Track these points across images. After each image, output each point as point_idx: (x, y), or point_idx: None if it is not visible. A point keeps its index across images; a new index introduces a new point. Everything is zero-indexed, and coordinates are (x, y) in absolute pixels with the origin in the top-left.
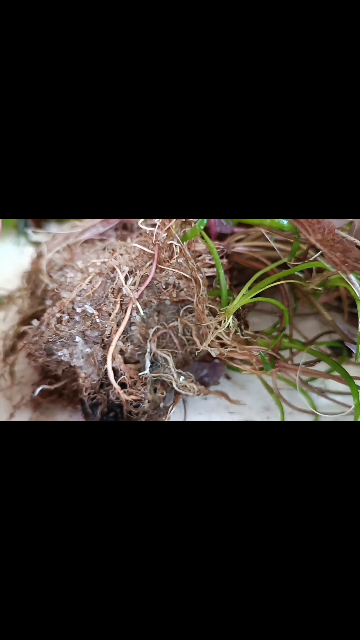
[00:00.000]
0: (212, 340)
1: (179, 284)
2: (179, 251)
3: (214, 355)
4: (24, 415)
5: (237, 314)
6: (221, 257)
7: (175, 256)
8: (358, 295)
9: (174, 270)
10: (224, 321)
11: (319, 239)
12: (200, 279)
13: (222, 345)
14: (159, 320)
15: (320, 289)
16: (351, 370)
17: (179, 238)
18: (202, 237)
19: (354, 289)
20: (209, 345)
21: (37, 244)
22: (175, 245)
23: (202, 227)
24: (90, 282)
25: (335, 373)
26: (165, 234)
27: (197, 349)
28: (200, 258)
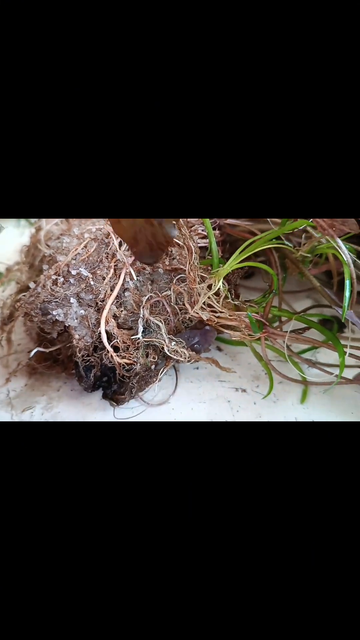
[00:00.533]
0: (203, 307)
1: (172, 251)
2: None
3: (204, 318)
4: (19, 382)
5: (228, 280)
6: (214, 229)
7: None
8: (344, 258)
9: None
10: (214, 284)
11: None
12: (192, 247)
13: (213, 311)
14: (153, 288)
15: (308, 255)
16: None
17: None
18: None
19: (341, 252)
20: (200, 309)
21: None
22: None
23: None
24: (85, 246)
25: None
26: None
27: (189, 318)
28: (193, 228)
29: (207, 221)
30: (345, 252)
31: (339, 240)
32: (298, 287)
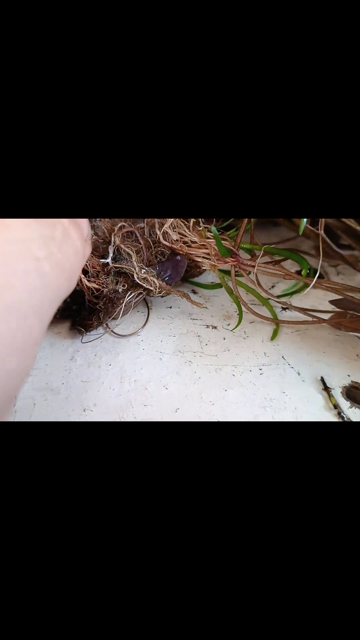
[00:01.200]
0: (173, 231)
1: None
2: None
3: (175, 238)
4: None
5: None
6: None
7: None
8: None
9: None
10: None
11: None
12: None
13: (184, 240)
14: (126, 219)
15: None
16: (317, 292)
17: None
18: None
19: None
20: (170, 229)
21: None
22: None
23: None
24: None
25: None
26: None
27: (162, 252)
28: None
29: None
30: None
31: None
32: (278, 239)
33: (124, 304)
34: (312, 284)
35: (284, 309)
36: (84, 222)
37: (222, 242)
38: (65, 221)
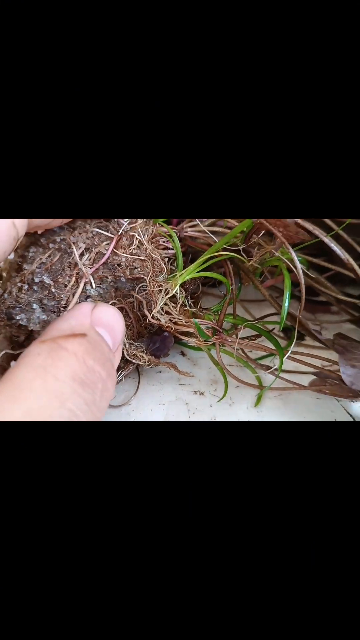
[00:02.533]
0: (161, 313)
1: (133, 262)
2: (137, 243)
3: (163, 322)
4: None
5: (185, 288)
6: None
7: (135, 243)
8: (298, 267)
9: (129, 255)
10: (170, 291)
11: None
12: (154, 259)
13: (171, 318)
14: (117, 295)
15: (258, 266)
16: (301, 349)
17: (140, 232)
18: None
19: (296, 263)
20: (158, 314)
21: None
22: (136, 238)
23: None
24: (49, 256)
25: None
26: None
27: (151, 324)
28: (154, 240)
29: (174, 234)
30: (295, 259)
31: (291, 249)
32: (261, 296)
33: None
34: (287, 354)
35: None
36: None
37: (209, 316)
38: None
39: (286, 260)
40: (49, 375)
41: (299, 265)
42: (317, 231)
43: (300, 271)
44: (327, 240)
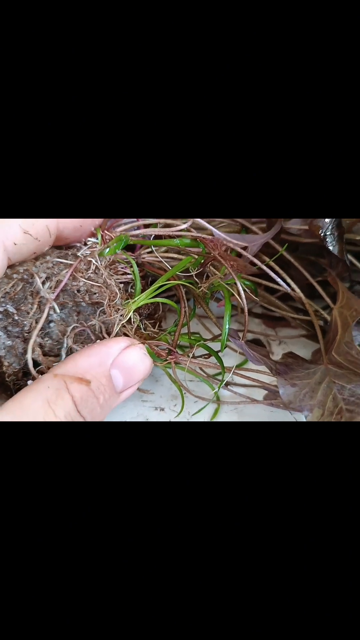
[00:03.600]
0: (120, 335)
1: (91, 287)
2: (94, 268)
3: None
4: None
5: (140, 312)
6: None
7: (92, 268)
8: (241, 293)
9: (86, 281)
10: (125, 316)
11: (217, 252)
12: (114, 286)
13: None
14: (79, 319)
15: (207, 291)
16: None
17: (97, 258)
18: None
19: (239, 289)
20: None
21: None
22: (93, 263)
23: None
24: (12, 286)
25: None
26: (90, 251)
27: None
28: (113, 266)
29: (134, 262)
30: (240, 288)
31: (236, 277)
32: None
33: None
34: (231, 372)
35: (226, 384)
36: None
37: (165, 337)
38: (89, 418)
39: (240, 284)
40: (50, 410)
41: (241, 292)
42: (265, 267)
43: (243, 297)
44: (273, 274)
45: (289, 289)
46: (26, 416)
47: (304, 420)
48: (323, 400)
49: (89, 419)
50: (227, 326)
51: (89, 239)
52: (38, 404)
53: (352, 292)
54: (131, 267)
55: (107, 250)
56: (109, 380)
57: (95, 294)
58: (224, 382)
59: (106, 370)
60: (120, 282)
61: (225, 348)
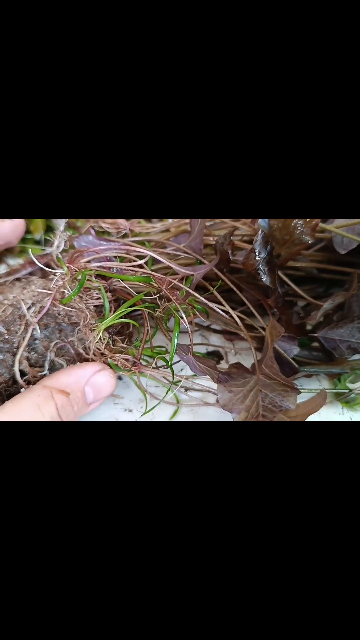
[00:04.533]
0: (95, 351)
1: (70, 311)
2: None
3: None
4: None
5: (109, 331)
6: (107, 291)
7: (67, 294)
8: (181, 318)
9: (63, 306)
10: (96, 335)
11: (164, 286)
12: (85, 310)
13: (102, 354)
14: (60, 336)
15: (163, 315)
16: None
17: (69, 287)
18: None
19: (180, 314)
20: (91, 353)
21: None
22: (67, 292)
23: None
24: (3, 310)
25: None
26: (62, 282)
27: (91, 359)
28: (89, 293)
29: (103, 290)
30: (182, 314)
31: (179, 307)
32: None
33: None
34: (182, 380)
35: (185, 390)
36: None
37: (132, 351)
38: (66, 420)
39: (182, 311)
40: (39, 412)
41: (184, 317)
42: (206, 300)
43: (186, 320)
44: (212, 305)
45: (224, 314)
46: (20, 416)
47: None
48: (249, 405)
49: (65, 420)
50: (175, 343)
51: (58, 270)
52: (30, 407)
53: (291, 309)
54: (101, 292)
55: (70, 294)
56: (82, 394)
57: (73, 316)
58: (185, 388)
59: (81, 386)
60: (95, 305)
61: (178, 361)
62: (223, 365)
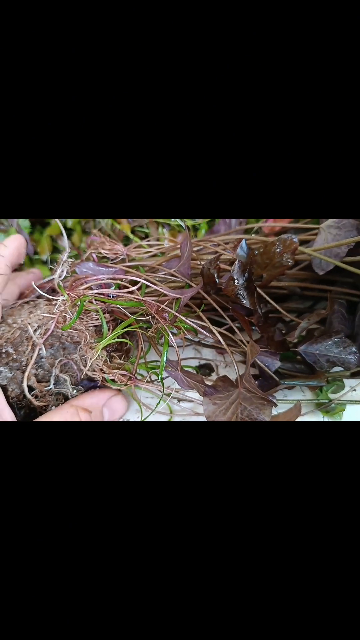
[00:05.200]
0: (94, 368)
1: (72, 332)
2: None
3: (95, 374)
4: None
5: (107, 349)
6: (105, 312)
7: (68, 319)
8: (168, 338)
9: (66, 330)
10: (94, 353)
11: (153, 310)
12: (85, 331)
13: (101, 370)
14: (64, 354)
15: (154, 335)
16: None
17: (70, 313)
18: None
19: (168, 334)
20: (92, 369)
21: None
22: (68, 316)
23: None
24: (12, 333)
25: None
26: (64, 306)
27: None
28: (89, 315)
29: (100, 312)
30: (170, 334)
31: (167, 327)
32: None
33: None
34: (171, 393)
35: (178, 401)
36: None
37: (128, 367)
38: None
39: (169, 332)
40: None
41: (172, 338)
42: (191, 321)
43: (173, 340)
44: (196, 326)
45: (207, 333)
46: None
47: None
48: (230, 416)
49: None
50: (164, 360)
51: (59, 297)
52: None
53: (275, 326)
54: (99, 314)
55: (70, 321)
56: (101, 414)
57: (75, 336)
58: (178, 399)
59: (100, 407)
60: (95, 326)
61: (166, 377)
62: (215, 376)
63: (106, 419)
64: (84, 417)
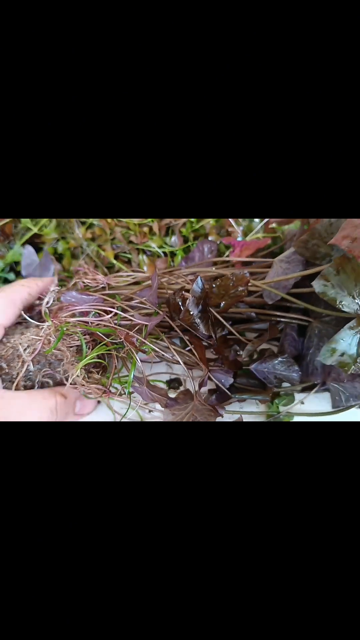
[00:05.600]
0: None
1: (55, 351)
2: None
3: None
4: None
5: (86, 368)
6: (85, 334)
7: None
8: (137, 359)
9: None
10: (75, 371)
11: (123, 336)
12: (67, 351)
13: (82, 384)
14: (50, 367)
15: (125, 355)
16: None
17: (54, 335)
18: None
19: (135, 356)
20: (72, 384)
21: None
22: (52, 339)
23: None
24: (5, 351)
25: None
26: (49, 331)
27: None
28: (72, 336)
29: (80, 335)
30: (136, 358)
31: (135, 354)
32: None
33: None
34: (138, 405)
35: (149, 411)
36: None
37: (104, 381)
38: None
39: (135, 354)
40: (44, 400)
41: (138, 359)
42: (158, 346)
43: (139, 362)
44: (163, 346)
45: (169, 356)
46: (30, 398)
47: None
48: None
49: (59, 418)
50: (131, 377)
51: (45, 323)
52: (39, 396)
53: (231, 347)
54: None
55: (51, 345)
56: (74, 404)
57: (59, 354)
58: (149, 410)
59: (74, 398)
60: (76, 345)
61: (132, 392)
62: (183, 389)
63: (77, 410)
64: (59, 400)
